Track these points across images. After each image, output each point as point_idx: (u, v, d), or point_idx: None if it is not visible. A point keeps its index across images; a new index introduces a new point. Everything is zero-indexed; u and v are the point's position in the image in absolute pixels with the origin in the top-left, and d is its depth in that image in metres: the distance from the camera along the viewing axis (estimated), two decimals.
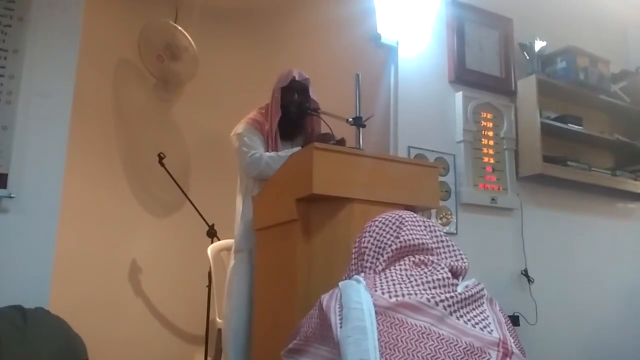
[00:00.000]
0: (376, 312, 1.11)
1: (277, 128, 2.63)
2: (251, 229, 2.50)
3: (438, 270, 1.24)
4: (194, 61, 4.03)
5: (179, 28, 3.94)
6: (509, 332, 1.18)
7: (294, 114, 2.66)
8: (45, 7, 2.41)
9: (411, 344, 1.07)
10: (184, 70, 4.07)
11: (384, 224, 1.36)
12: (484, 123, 3.32)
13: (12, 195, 2.22)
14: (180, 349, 3.84)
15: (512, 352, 1.12)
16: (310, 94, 2.66)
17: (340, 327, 1.11)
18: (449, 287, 1.21)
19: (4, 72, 2.28)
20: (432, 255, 1.31)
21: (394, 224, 1.35)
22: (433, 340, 1.08)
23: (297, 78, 2.65)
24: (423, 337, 1.08)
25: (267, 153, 2.59)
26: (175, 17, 4.04)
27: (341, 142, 2.46)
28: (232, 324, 2.56)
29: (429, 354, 1.06)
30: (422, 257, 1.29)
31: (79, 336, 1.46)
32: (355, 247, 1.38)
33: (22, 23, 2.34)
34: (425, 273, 1.24)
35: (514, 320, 3.05)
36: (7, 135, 2.24)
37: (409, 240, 1.31)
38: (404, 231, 1.33)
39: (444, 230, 2.58)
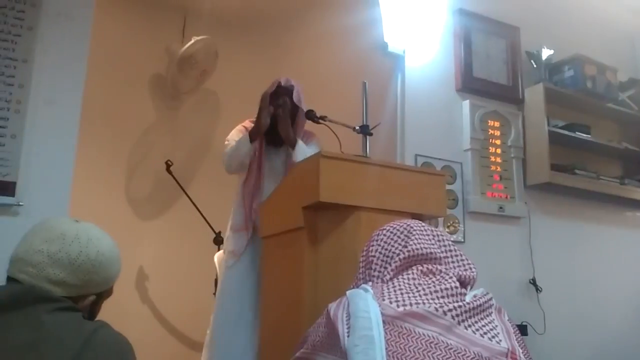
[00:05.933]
0: (384, 322, 1.11)
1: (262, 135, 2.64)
2: (232, 233, 2.67)
3: (446, 280, 1.23)
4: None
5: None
6: (518, 342, 1.17)
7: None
8: (54, 17, 2.42)
9: (419, 354, 1.06)
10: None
11: (391, 232, 1.36)
12: (491, 131, 3.31)
13: (20, 203, 2.23)
14: (186, 356, 3.84)
15: None
16: (295, 99, 2.61)
17: (348, 336, 1.10)
18: (457, 296, 1.20)
19: (13, 81, 2.29)
20: (441, 264, 1.30)
21: (402, 232, 1.35)
22: (441, 350, 1.08)
23: (282, 84, 2.64)
24: (431, 347, 1.08)
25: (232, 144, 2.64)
26: (183, 25, 4.07)
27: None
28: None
29: None
30: (430, 267, 1.28)
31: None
32: (362, 256, 1.38)
33: (32, 33, 2.35)
34: (434, 282, 1.23)
35: (522, 329, 3.03)
36: (16, 143, 2.26)
37: (417, 249, 1.30)
38: (412, 240, 1.32)
39: (452, 239, 2.57)
